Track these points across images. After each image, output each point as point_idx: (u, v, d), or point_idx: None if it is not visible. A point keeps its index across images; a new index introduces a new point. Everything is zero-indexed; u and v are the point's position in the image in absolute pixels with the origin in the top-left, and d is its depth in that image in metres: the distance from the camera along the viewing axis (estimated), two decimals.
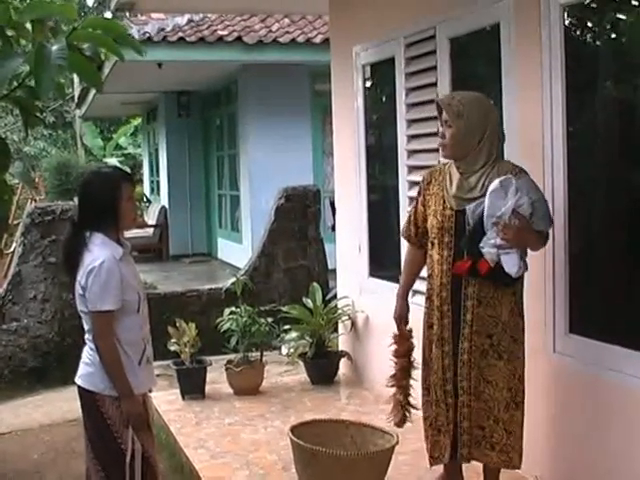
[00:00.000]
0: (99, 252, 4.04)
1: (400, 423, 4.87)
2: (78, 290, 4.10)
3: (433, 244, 4.49)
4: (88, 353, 4.19)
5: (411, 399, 4.87)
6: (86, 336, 4.19)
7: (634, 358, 4.25)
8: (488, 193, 4.16)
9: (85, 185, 4.28)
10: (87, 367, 4.18)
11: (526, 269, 4.29)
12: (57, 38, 3.22)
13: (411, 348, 4.84)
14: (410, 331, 4.87)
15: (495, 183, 4.15)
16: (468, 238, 4.26)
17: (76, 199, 4.39)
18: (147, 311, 4.33)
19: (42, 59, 2.97)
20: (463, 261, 4.27)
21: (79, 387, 4.20)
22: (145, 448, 4.18)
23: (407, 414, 4.87)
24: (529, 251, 4.39)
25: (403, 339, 4.86)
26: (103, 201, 4.12)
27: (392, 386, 4.90)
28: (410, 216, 4.77)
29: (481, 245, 4.18)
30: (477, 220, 4.21)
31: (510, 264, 4.18)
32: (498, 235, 4.13)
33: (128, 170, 4.77)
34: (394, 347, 4.88)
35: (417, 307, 6.51)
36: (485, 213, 4.17)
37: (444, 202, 4.43)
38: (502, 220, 4.11)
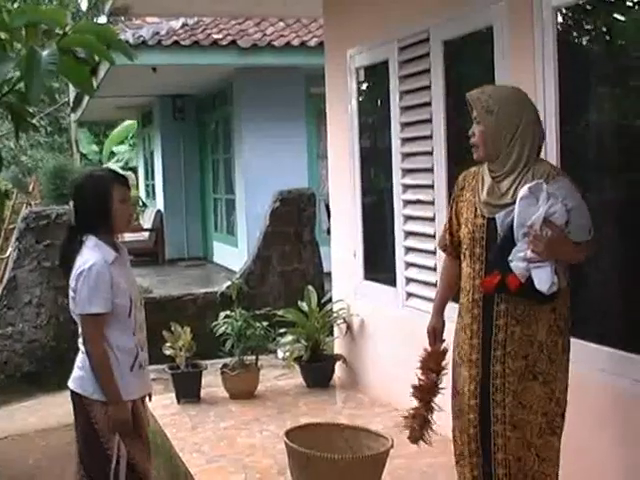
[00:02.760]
0: (89, 255, 4.04)
1: (417, 440, 4.33)
2: (70, 293, 4.10)
3: (465, 256, 4.03)
4: (81, 356, 4.18)
5: (433, 417, 4.33)
6: (79, 339, 4.19)
7: (631, 361, 4.26)
8: (517, 200, 3.72)
9: (77, 188, 4.28)
10: (79, 371, 4.17)
11: (567, 284, 3.83)
12: (50, 42, 3.22)
13: (442, 366, 4.27)
14: (444, 350, 4.29)
15: (524, 189, 3.70)
16: (497, 250, 3.82)
17: (71, 202, 4.40)
18: (143, 316, 4.31)
19: (33, 64, 2.97)
20: (491, 276, 3.80)
21: (70, 390, 4.20)
22: (132, 455, 4.15)
23: (426, 433, 4.32)
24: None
25: (435, 355, 4.29)
26: (95, 204, 4.11)
27: (416, 399, 4.32)
28: (445, 224, 4.30)
29: (510, 258, 3.72)
30: (507, 230, 3.78)
31: (542, 279, 3.68)
32: (528, 247, 3.68)
33: (121, 172, 4.73)
34: (423, 361, 4.33)
35: (415, 312, 6.53)
36: (515, 222, 3.73)
37: (475, 209, 3.97)
38: (532, 230, 3.67)
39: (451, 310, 4.23)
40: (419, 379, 4.27)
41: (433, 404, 4.25)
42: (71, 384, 4.19)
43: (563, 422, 3.88)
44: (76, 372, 4.19)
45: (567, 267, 3.83)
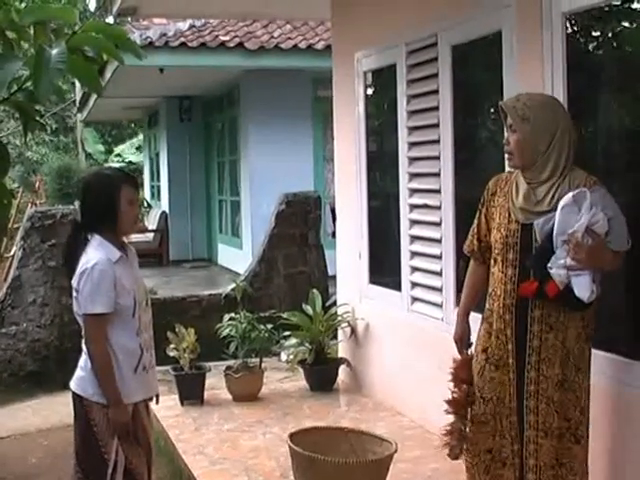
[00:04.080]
0: (93, 254, 4.01)
1: (457, 456, 4.19)
2: (73, 293, 4.07)
3: (496, 261, 4.01)
4: (83, 357, 4.15)
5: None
6: (83, 340, 4.16)
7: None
8: (559, 208, 3.70)
9: (85, 186, 4.26)
10: (80, 371, 4.14)
11: (599, 293, 3.80)
12: (59, 41, 3.21)
13: (473, 375, 4.14)
14: (472, 355, 4.22)
15: (567, 197, 3.69)
16: (535, 257, 3.81)
17: (78, 200, 4.38)
18: (150, 317, 4.27)
19: (42, 63, 2.96)
20: (529, 282, 3.80)
21: (72, 391, 4.17)
22: (130, 460, 4.10)
23: (464, 445, 4.17)
24: None
25: (464, 363, 4.21)
26: (102, 203, 4.08)
27: (451, 413, 4.19)
28: (473, 229, 4.27)
29: (549, 265, 3.71)
30: (546, 237, 3.77)
31: (582, 288, 3.69)
32: (569, 255, 3.67)
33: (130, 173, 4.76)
34: (454, 372, 4.23)
35: (420, 316, 6.51)
36: (555, 230, 3.72)
37: (509, 215, 3.96)
38: (574, 238, 3.64)
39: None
40: (452, 392, 4.18)
41: (467, 415, 4.15)
42: (72, 385, 4.17)
43: (587, 432, 3.87)
44: (78, 373, 4.16)
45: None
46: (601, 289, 3.80)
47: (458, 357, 4.29)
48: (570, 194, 3.69)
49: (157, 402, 4.41)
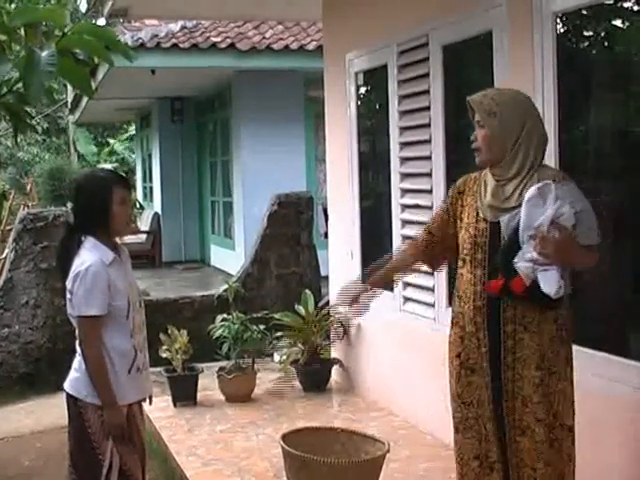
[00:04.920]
0: (87, 256, 4.00)
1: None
2: (67, 295, 4.07)
3: (464, 261, 3.90)
4: (77, 358, 4.14)
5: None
6: (76, 341, 4.14)
7: (626, 366, 4.26)
8: (524, 202, 3.61)
9: (77, 188, 4.26)
10: (74, 373, 4.14)
11: (570, 290, 3.72)
12: (49, 43, 3.21)
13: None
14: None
15: (532, 190, 3.61)
16: (502, 253, 3.69)
17: (70, 202, 4.38)
18: (143, 318, 4.27)
19: (32, 65, 2.97)
20: (496, 279, 3.69)
21: (65, 392, 4.16)
22: (124, 461, 4.10)
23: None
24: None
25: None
26: (94, 204, 4.08)
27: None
28: (429, 221, 4.25)
29: (515, 260, 3.60)
30: (512, 233, 3.66)
31: (548, 282, 3.57)
32: (535, 249, 3.56)
33: (123, 174, 4.78)
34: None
35: (412, 316, 6.52)
36: (521, 225, 3.62)
37: (477, 214, 3.87)
38: (540, 232, 3.55)
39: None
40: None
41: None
42: (66, 386, 4.16)
43: (568, 436, 3.75)
44: (72, 374, 4.16)
45: (570, 275, 3.74)
46: (572, 287, 3.72)
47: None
48: (534, 187, 3.61)
49: (150, 403, 4.41)
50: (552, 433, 3.74)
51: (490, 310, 3.76)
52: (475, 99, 3.89)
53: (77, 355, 4.14)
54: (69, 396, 4.13)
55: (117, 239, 4.25)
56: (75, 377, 4.12)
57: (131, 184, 4.26)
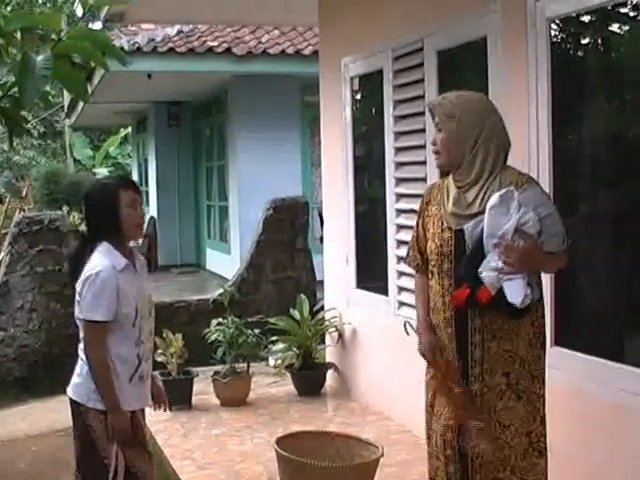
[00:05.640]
0: (98, 261, 3.98)
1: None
2: (76, 297, 4.04)
3: (432, 273, 3.84)
4: (79, 363, 4.11)
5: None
6: (80, 345, 4.12)
7: (618, 371, 4.27)
8: (487, 210, 3.54)
9: (86, 197, 4.23)
10: (77, 377, 4.11)
11: (540, 297, 3.69)
12: (45, 47, 3.23)
13: (452, 375, 3.81)
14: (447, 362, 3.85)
15: (494, 198, 3.53)
16: (466, 262, 3.63)
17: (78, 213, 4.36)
18: (152, 327, 4.26)
19: (27, 69, 2.98)
20: (460, 289, 3.62)
21: (69, 397, 4.14)
22: (133, 463, 4.07)
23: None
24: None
25: (442, 369, 3.88)
26: (102, 211, 4.06)
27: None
28: (413, 242, 4.07)
29: (480, 270, 3.54)
30: (476, 241, 3.59)
31: (513, 292, 3.50)
32: (500, 258, 3.50)
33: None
34: (442, 381, 3.89)
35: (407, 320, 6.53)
36: (485, 233, 3.55)
37: (442, 223, 3.79)
38: (503, 241, 3.48)
39: None
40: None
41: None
42: (69, 391, 4.14)
43: (547, 442, 3.74)
44: (74, 379, 4.13)
45: (538, 279, 3.71)
46: (539, 292, 3.67)
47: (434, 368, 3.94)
48: (497, 194, 3.54)
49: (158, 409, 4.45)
50: (541, 442, 3.70)
51: (459, 320, 3.71)
52: (434, 102, 3.90)
53: (79, 360, 4.12)
54: (72, 401, 4.11)
55: (132, 243, 4.24)
56: (77, 382, 4.10)
57: (138, 186, 4.22)
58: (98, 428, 4.00)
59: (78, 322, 4.08)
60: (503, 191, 3.54)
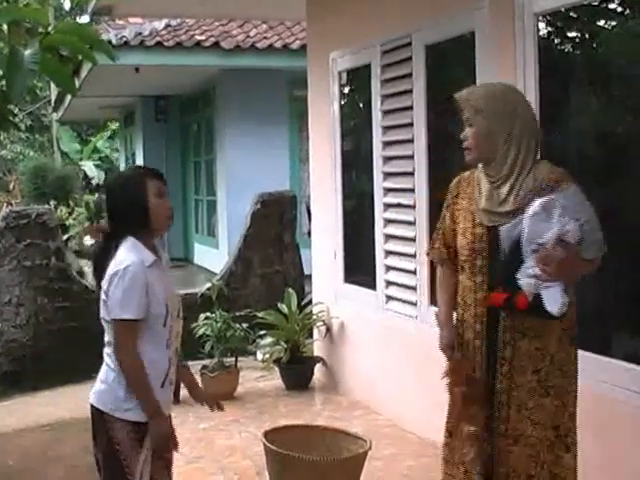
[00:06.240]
0: (125, 256, 3.64)
1: (477, 458, 3.77)
2: (102, 296, 3.70)
3: (463, 268, 3.75)
4: (104, 368, 3.75)
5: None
6: (105, 349, 3.75)
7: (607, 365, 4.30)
8: (527, 216, 3.42)
9: (109, 191, 3.91)
10: (100, 384, 3.74)
11: (573, 301, 3.60)
12: (33, 41, 3.22)
13: (470, 374, 3.76)
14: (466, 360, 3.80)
15: (536, 206, 3.41)
16: (503, 266, 3.55)
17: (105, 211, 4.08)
18: (180, 328, 3.90)
19: (15, 63, 2.97)
20: (498, 293, 3.55)
21: (90, 404, 3.77)
22: (155, 478, 3.77)
23: (485, 446, 3.79)
24: None
25: (459, 366, 3.81)
26: (130, 203, 3.72)
27: (458, 421, 3.84)
28: (438, 236, 3.95)
29: (518, 276, 3.46)
30: (514, 244, 3.50)
31: (551, 300, 3.44)
32: (538, 265, 3.41)
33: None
34: (449, 378, 3.85)
35: (395, 315, 6.54)
36: (524, 237, 3.45)
37: (474, 218, 3.69)
38: (543, 249, 3.39)
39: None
40: (454, 400, 3.82)
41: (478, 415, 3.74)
42: (92, 398, 3.76)
43: (576, 438, 3.67)
44: (98, 385, 3.76)
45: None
46: (576, 297, 3.61)
47: (451, 364, 3.85)
48: (538, 202, 3.42)
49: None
50: (569, 437, 3.66)
51: (490, 318, 3.64)
52: (462, 96, 3.74)
53: (104, 365, 3.75)
54: (95, 409, 3.74)
55: (159, 235, 3.91)
56: (102, 389, 3.73)
57: (163, 176, 3.93)
58: (123, 439, 3.67)
59: (104, 324, 3.73)
60: (546, 199, 3.42)
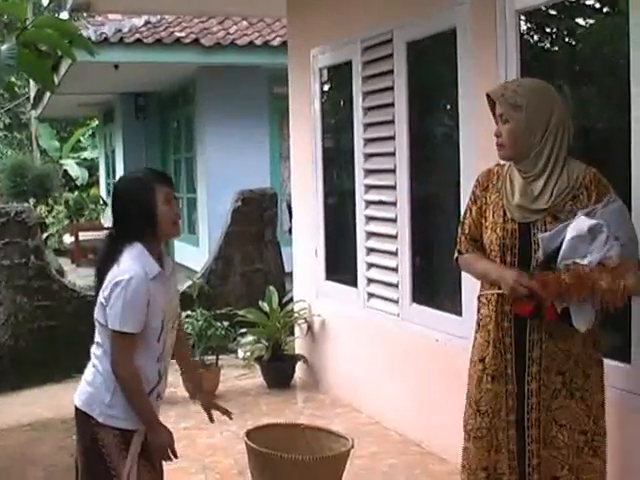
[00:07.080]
0: (129, 266, 3.56)
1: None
2: (100, 298, 3.62)
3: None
4: (91, 369, 3.69)
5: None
6: (92, 348, 3.69)
7: None
8: (570, 236, 3.39)
9: (115, 194, 3.80)
10: (87, 386, 3.68)
11: (600, 317, 3.54)
12: (10, 36, 3.18)
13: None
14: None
15: (582, 228, 3.36)
16: (536, 275, 3.49)
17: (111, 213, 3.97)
18: (173, 342, 3.81)
19: None
20: (526, 302, 3.49)
21: (75, 405, 3.70)
22: None
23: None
24: None
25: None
26: (137, 208, 3.65)
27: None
28: (465, 229, 3.85)
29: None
30: (549, 255, 3.45)
31: (579, 318, 3.42)
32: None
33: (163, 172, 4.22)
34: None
35: (376, 312, 6.53)
36: (561, 254, 3.40)
37: (504, 213, 3.63)
38: (573, 268, 3.36)
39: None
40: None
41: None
42: (76, 400, 3.69)
43: (605, 442, 3.64)
44: (83, 387, 3.69)
45: None
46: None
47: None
48: (586, 225, 3.38)
49: None
50: (595, 441, 3.62)
51: (517, 316, 3.61)
52: (496, 92, 3.67)
53: (91, 365, 3.70)
54: (79, 411, 3.67)
55: (166, 240, 3.90)
56: (88, 391, 3.66)
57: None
58: (109, 445, 3.60)
59: (97, 324, 3.67)
60: (594, 223, 3.37)
